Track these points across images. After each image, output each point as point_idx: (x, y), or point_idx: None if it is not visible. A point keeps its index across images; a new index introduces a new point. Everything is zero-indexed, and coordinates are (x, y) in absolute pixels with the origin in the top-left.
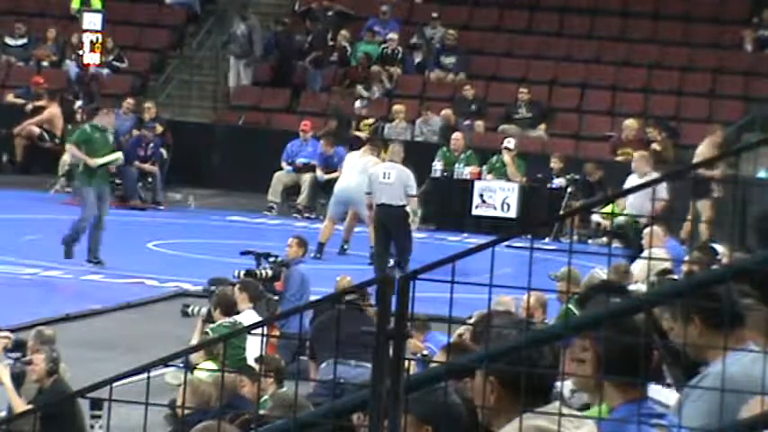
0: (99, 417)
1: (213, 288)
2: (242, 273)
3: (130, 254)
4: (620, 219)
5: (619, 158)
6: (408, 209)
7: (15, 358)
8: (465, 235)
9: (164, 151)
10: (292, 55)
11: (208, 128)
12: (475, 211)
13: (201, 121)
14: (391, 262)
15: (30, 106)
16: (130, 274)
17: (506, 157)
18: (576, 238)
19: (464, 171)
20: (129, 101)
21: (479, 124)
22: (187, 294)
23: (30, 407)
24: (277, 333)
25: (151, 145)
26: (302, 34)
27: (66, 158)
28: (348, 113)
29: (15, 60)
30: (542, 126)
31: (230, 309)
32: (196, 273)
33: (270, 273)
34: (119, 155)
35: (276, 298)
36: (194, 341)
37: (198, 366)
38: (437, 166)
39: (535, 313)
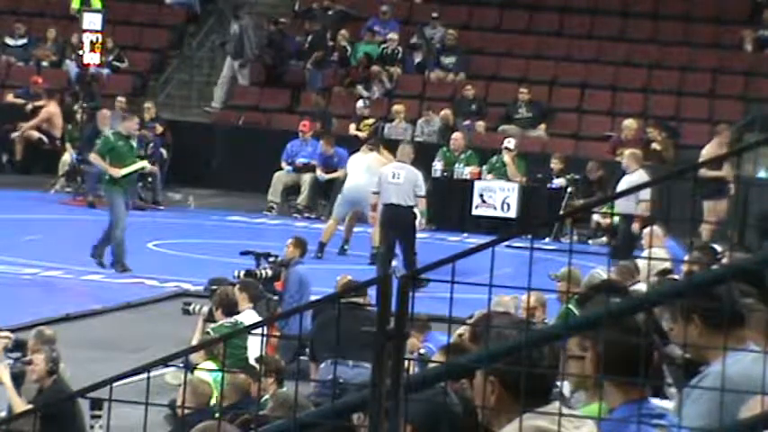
0: (99, 417)
1: (215, 287)
2: (241, 273)
3: (130, 254)
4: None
5: (619, 158)
6: (416, 210)
7: (15, 358)
8: (465, 235)
9: (164, 151)
10: (287, 55)
11: (208, 128)
12: (475, 211)
13: (201, 121)
14: (394, 263)
15: (30, 106)
16: (130, 274)
17: (506, 157)
18: (575, 238)
19: (464, 171)
20: (121, 100)
21: (479, 124)
22: (187, 294)
23: (30, 407)
24: (277, 333)
25: (151, 145)
26: (302, 35)
27: (66, 158)
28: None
29: (15, 60)
30: (542, 126)
31: (232, 309)
32: (196, 273)
33: (269, 273)
34: (144, 163)
35: (276, 298)
36: (195, 340)
37: (198, 366)
38: (437, 166)
39: (535, 313)
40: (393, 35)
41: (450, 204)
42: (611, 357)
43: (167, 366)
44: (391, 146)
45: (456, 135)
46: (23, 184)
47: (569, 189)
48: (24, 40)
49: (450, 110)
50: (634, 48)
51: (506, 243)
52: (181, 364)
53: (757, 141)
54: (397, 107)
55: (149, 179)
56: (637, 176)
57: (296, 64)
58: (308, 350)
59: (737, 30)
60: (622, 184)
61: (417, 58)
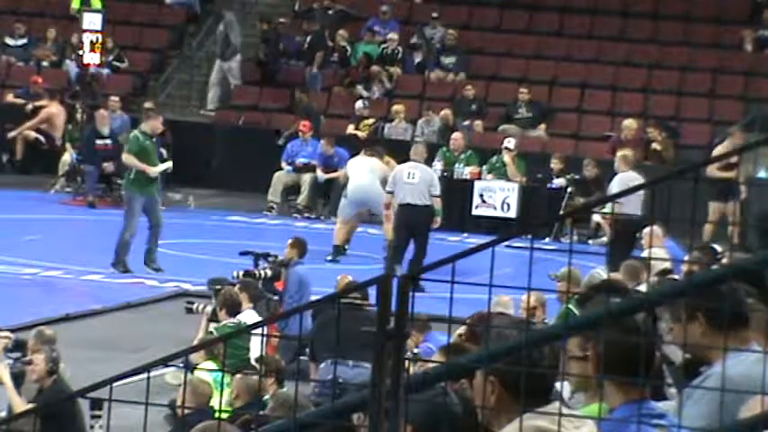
0: (99, 417)
1: (219, 287)
2: (240, 273)
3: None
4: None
5: None
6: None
7: (15, 358)
8: (465, 235)
9: (164, 151)
10: (280, 53)
11: (208, 128)
12: (475, 211)
13: (201, 121)
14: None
15: (30, 106)
16: (130, 274)
17: (506, 157)
18: (575, 238)
19: (464, 171)
20: (114, 99)
21: (479, 124)
22: (187, 294)
23: (30, 406)
24: (276, 333)
25: None
26: (301, 35)
27: (66, 158)
28: (317, 110)
29: (15, 60)
30: (542, 126)
31: (236, 309)
32: (196, 273)
33: (268, 273)
34: (170, 164)
35: (276, 298)
36: (199, 340)
37: (198, 366)
38: (437, 166)
39: (535, 313)
40: (393, 35)
41: (450, 204)
42: (611, 357)
43: (167, 366)
44: (391, 146)
45: (456, 135)
46: (23, 184)
47: (569, 189)
48: (24, 40)
49: (451, 110)
50: (634, 48)
51: (506, 243)
52: (181, 364)
53: (757, 141)
54: (396, 107)
55: None
56: (626, 177)
57: (296, 64)
58: (307, 350)
59: (737, 30)
60: (613, 184)
61: (417, 58)
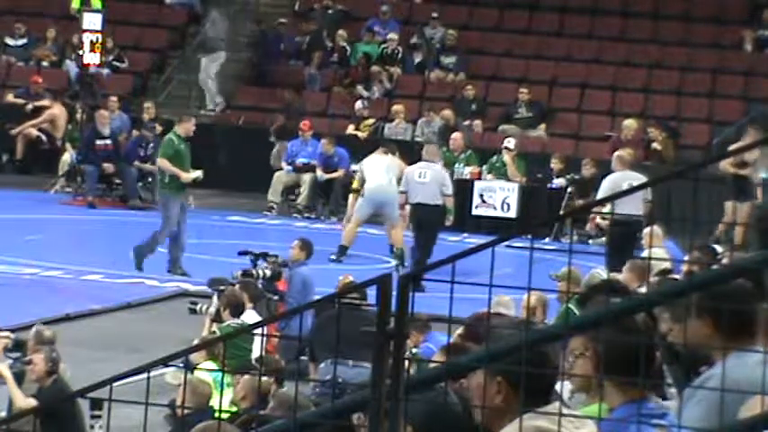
0: (99, 417)
1: (223, 288)
2: (239, 273)
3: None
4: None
5: None
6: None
7: (15, 358)
8: (465, 235)
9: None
10: (279, 54)
11: (208, 128)
12: (475, 211)
13: (202, 121)
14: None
15: (30, 106)
16: (130, 274)
17: (506, 157)
18: (575, 238)
19: (464, 171)
20: (113, 99)
21: (479, 124)
22: (187, 294)
23: (30, 402)
24: (276, 334)
25: (151, 145)
26: (301, 35)
27: (66, 158)
28: (300, 110)
29: (15, 60)
30: (542, 126)
31: (239, 309)
32: (196, 273)
33: (267, 272)
34: (201, 173)
35: (276, 298)
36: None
37: (198, 366)
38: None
39: (535, 313)
40: (393, 35)
41: None
42: (612, 357)
43: (167, 366)
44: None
45: (456, 135)
46: (23, 183)
47: (569, 189)
48: (24, 40)
49: (451, 110)
50: (634, 48)
51: (506, 243)
52: (181, 364)
53: (757, 141)
54: (396, 107)
55: (149, 179)
56: (617, 177)
57: (295, 64)
58: (307, 350)
59: (737, 30)
60: (603, 184)
61: (417, 58)
